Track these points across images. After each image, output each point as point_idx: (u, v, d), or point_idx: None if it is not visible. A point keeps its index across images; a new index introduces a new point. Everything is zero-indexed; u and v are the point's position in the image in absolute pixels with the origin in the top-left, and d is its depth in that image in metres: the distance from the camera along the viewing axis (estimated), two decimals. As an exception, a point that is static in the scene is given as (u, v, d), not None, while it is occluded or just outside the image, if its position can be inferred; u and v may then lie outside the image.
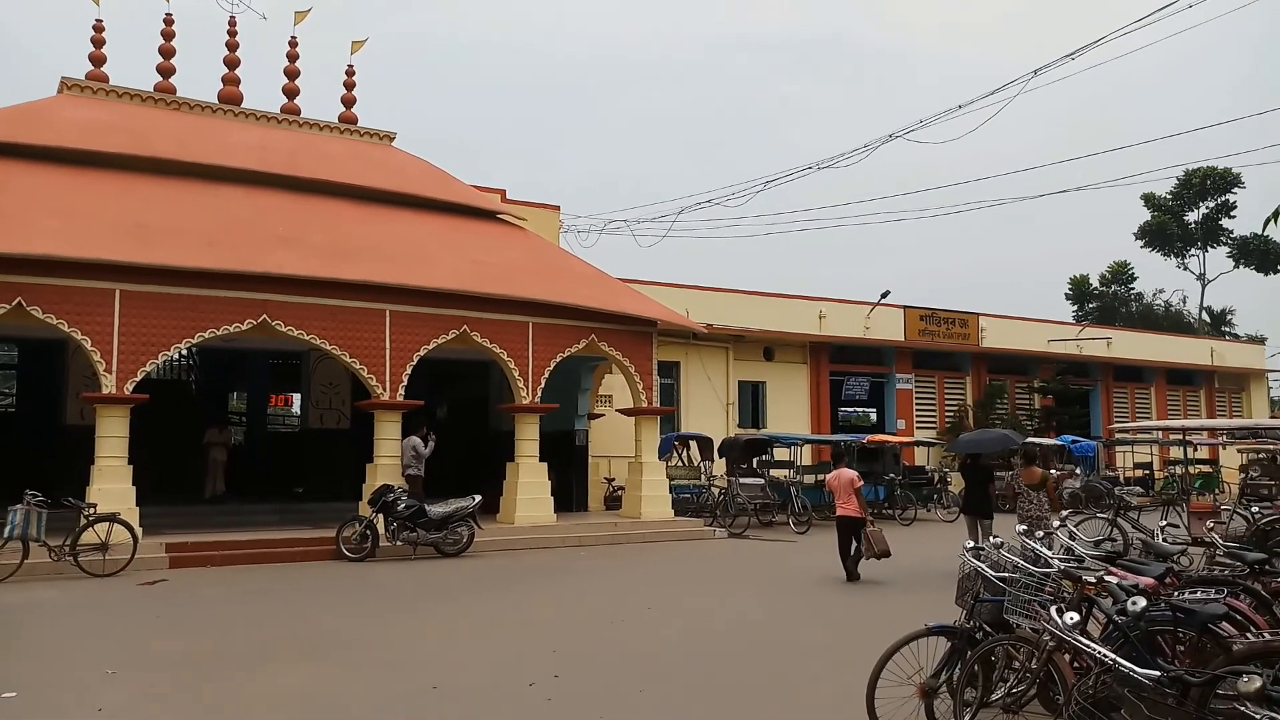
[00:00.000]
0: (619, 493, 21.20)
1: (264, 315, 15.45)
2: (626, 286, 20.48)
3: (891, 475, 23.40)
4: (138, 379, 14.57)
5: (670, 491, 19.58)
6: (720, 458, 22.34)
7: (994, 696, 5.79)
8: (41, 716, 6.23)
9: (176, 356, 17.89)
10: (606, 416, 22.29)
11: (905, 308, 29.61)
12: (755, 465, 22.39)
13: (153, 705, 6.48)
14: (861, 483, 13.47)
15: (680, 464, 22.89)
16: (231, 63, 19.33)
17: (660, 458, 20.22)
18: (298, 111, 19.61)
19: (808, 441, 24.63)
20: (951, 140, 31.50)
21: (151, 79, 18.48)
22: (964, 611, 6.02)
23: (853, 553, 12.95)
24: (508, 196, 22.64)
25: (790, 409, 27.82)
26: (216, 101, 18.86)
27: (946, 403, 31.61)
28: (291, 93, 19.77)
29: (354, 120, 20.17)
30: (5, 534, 12.11)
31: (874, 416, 33.27)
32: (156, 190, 16.29)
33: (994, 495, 14.36)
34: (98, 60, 17.99)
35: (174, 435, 19.54)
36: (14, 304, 13.80)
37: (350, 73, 20.47)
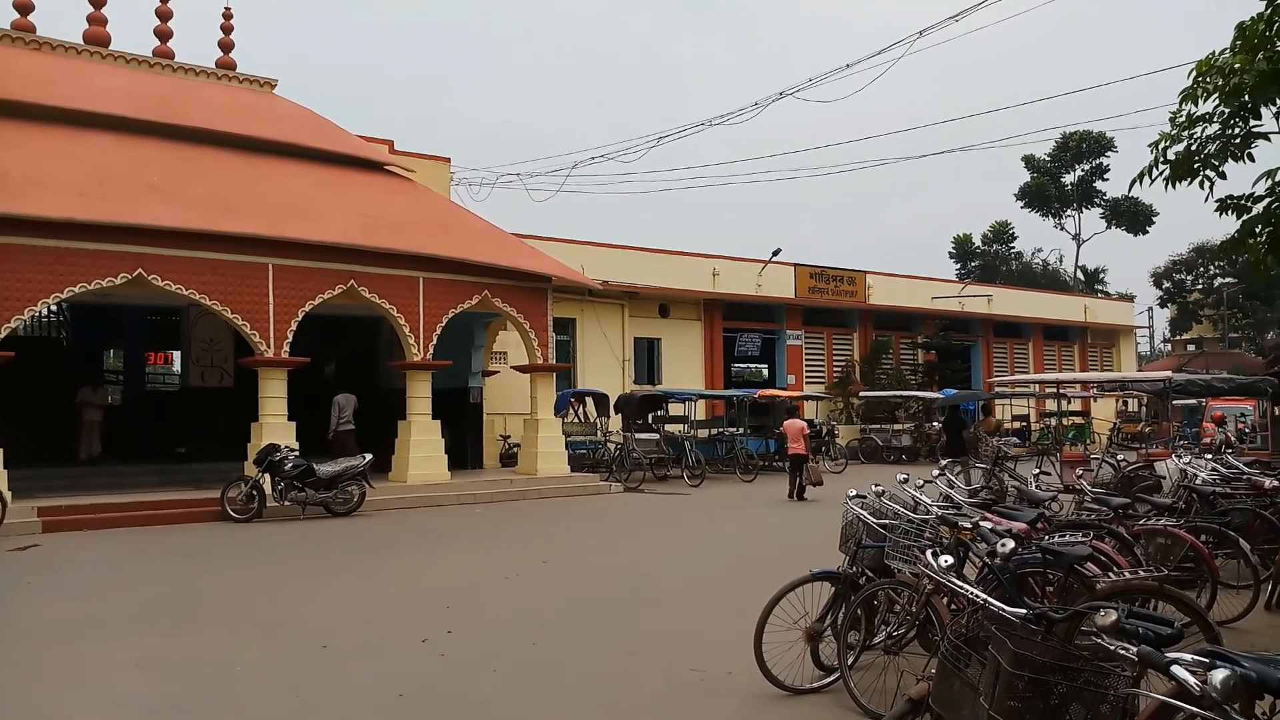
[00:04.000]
0: (514, 450, 21.14)
1: (139, 269, 14.78)
2: (520, 242, 20.28)
3: (780, 430, 23.88)
4: (2, 335, 13.81)
5: (566, 448, 19.62)
6: (616, 414, 22.45)
7: (876, 639, 6.01)
8: (-99, 690, 5.92)
9: (45, 312, 16.97)
10: (501, 374, 22.14)
11: (796, 265, 30.11)
12: (650, 421, 22.59)
13: (22, 674, 6.23)
14: (809, 431, 18.05)
15: (576, 420, 22.94)
16: (98, 1, 18.24)
17: (556, 414, 20.20)
18: (171, 55, 18.69)
19: (701, 397, 24.96)
20: (840, 99, 31.95)
21: (7, 16, 17.36)
22: (847, 557, 6.21)
23: (799, 481, 17.03)
24: (396, 148, 22.08)
25: (685, 365, 28.11)
26: (81, 42, 17.81)
27: (835, 358, 32.40)
28: (164, 35, 18.80)
29: (233, 66, 19.34)
30: None
31: (766, 372, 33.84)
32: (16, 135, 15.34)
33: (967, 440, 18.06)
34: (-53, -6, 16.81)
35: (45, 395, 18.64)
36: None
37: (228, 15, 19.58)
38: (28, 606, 8.46)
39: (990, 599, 3.64)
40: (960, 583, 4.22)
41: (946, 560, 4.31)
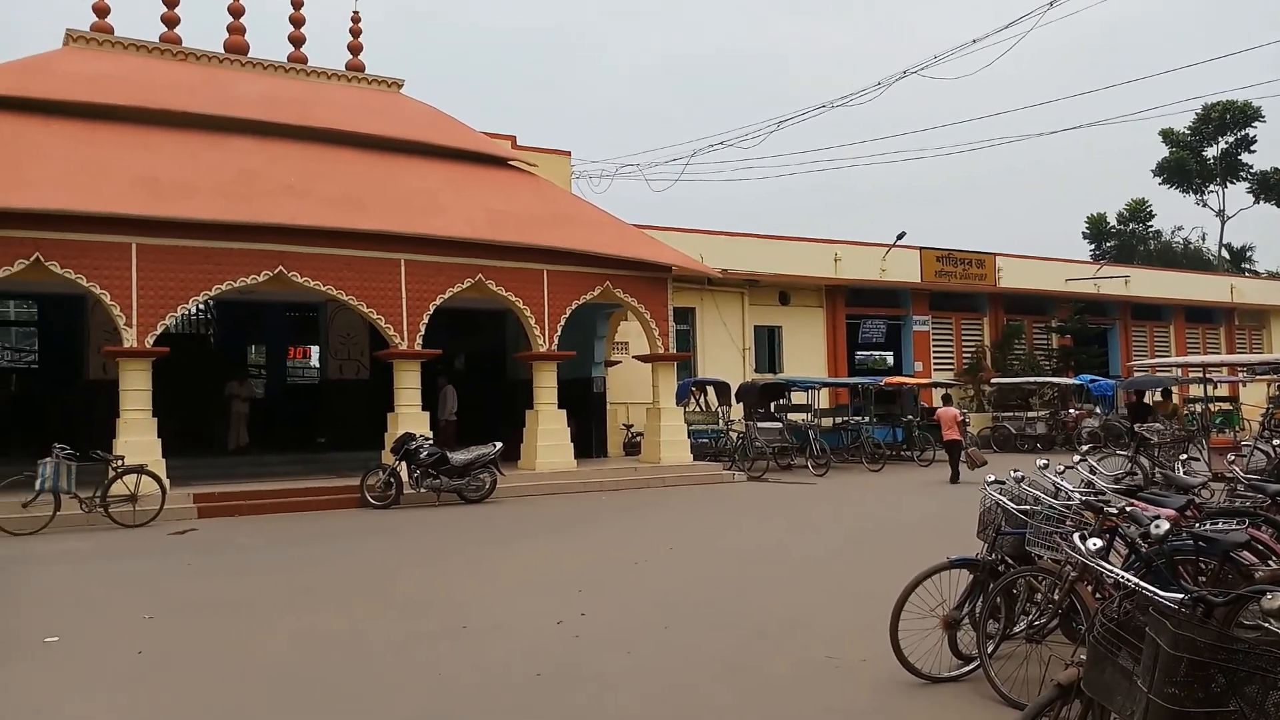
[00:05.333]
0: (637, 439, 21.32)
1: (280, 266, 15.49)
2: (640, 232, 20.41)
3: (910, 417, 23.43)
4: (157, 332, 14.68)
5: (688, 436, 19.68)
6: (737, 402, 22.39)
7: (1016, 628, 5.86)
8: (84, 659, 6.38)
9: (195, 310, 17.98)
10: (623, 363, 22.33)
11: (921, 249, 29.40)
12: (773, 409, 22.45)
13: (188, 647, 6.63)
14: (963, 417, 19.39)
15: (698, 409, 22.96)
16: (236, 11, 19.13)
17: (678, 403, 20.28)
18: (304, 60, 19.46)
19: (825, 385, 24.65)
20: (966, 76, 30.98)
21: (156, 29, 18.35)
22: (985, 544, 6.06)
23: (958, 464, 18.01)
24: (518, 143, 22.48)
25: (807, 353, 27.81)
26: (223, 51, 18.72)
27: (964, 344, 31.52)
28: (297, 41, 19.59)
29: (361, 68, 20.01)
30: (37, 486, 12.31)
31: (891, 359, 33.21)
32: (166, 142, 16.25)
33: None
34: (101, 11, 17.83)
35: (196, 388, 19.71)
36: (32, 259, 13.88)
37: (356, 19, 20.28)
38: (190, 585, 8.99)
39: (1144, 584, 3.51)
40: (1111, 567, 4.08)
41: (1096, 543, 4.17)
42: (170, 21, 18.38)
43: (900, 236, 28.35)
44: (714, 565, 9.75)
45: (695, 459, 19.52)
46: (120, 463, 13.26)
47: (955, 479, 17.95)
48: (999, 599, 5.69)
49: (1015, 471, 6.26)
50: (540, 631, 6.91)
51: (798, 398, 23.98)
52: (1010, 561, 5.86)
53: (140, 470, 13.17)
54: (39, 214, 13.79)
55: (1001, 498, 5.98)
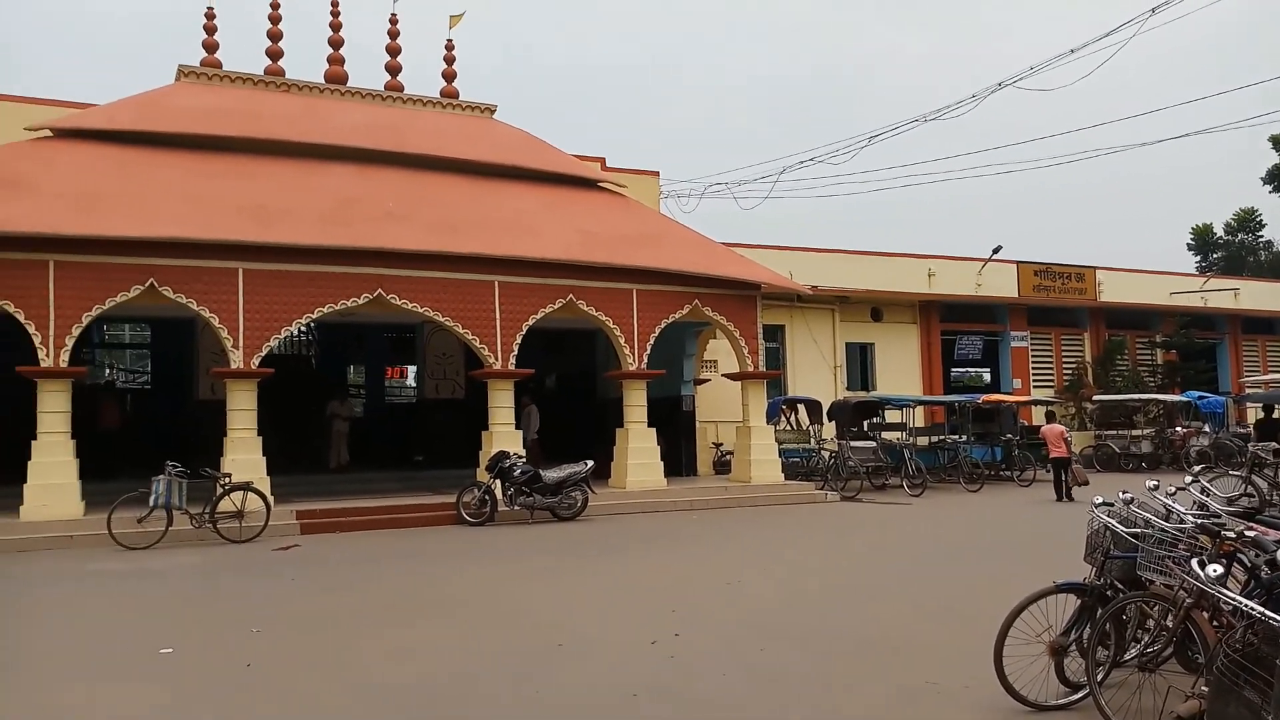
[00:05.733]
0: (727, 457, 21.24)
1: (379, 289, 15.92)
2: (729, 250, 20.39)
3: (1009, 436, 22.85)
4: (263, 354, 15.21)
5: (779, 455, 19.52)
6: (830, 421, 22.14)
7: (1127, 655, 5.65)
8: (196, 671, 6.61)
9: (297, 332, 18.55)
10: (712, 381, 22.32)
11: (1018, 263, 28.73)
12: (866, 428, 22.14)
13: (295, 661, 6.82)
14: (1069, 434, 18.99)
15: (789, 428, 22.77)
16: (335, 43, 19.80)
17: (768, 422, 20.16)
18: (401, 88, 19.99)
19: (920, 403, 24.21)
20: (1064, 87, 30.20)
21: (261, 63, 19.08)
22: (1093, 568, 5.87)
23: (1063, 482, 17.99)
24: (607, 164, 22.71)
25: (900, 370, 27.37)
26: (323, 81, 19.36)
27: (1064, 360, 30.64)
28: (394, 69, 20.14)
29: (455, 94, 20.47)
30: (150, 502, 12.84)
31: (988, 376, 32.45)
32: (271, 171, 16.86)
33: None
34: (211, 47, 18.62)
35: (298, 408, 20.32)
36: (147, 285, 14.53)
37: (449, 47, 20.75)
38: (294, 600, 9.26)
39: (1271, 613, 3.36)
40: (1233, 595, 3.91)
41: (1216, 569, 4.00)
42: (274, 55, 19.10)
43: (996, 250, 27.74)
44: (809, 586, 9.64)
45: (786, 478, 19.34)
46: (228, 480, 13.74)
47: (1063, 497, 17.73)
48: (1108, 625, 5.50)
49: (1124, 493, 6.05)
50: (635, 651, 6.92)
51: (892, 416, 23.61)
52: (1120, 586, 5.66)
53: (246, 487, 13.64)
54: (154, 241, 14.46)
55: (1110, 520, 5.79)
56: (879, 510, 16.92)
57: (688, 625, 7.64)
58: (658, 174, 24.04)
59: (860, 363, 27.19)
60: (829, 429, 22.32)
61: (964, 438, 22.56)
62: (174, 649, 7.15)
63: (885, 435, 22.21)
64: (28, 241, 13.89)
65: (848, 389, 26.10)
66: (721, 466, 21.80)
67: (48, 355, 13.96)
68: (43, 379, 14.02)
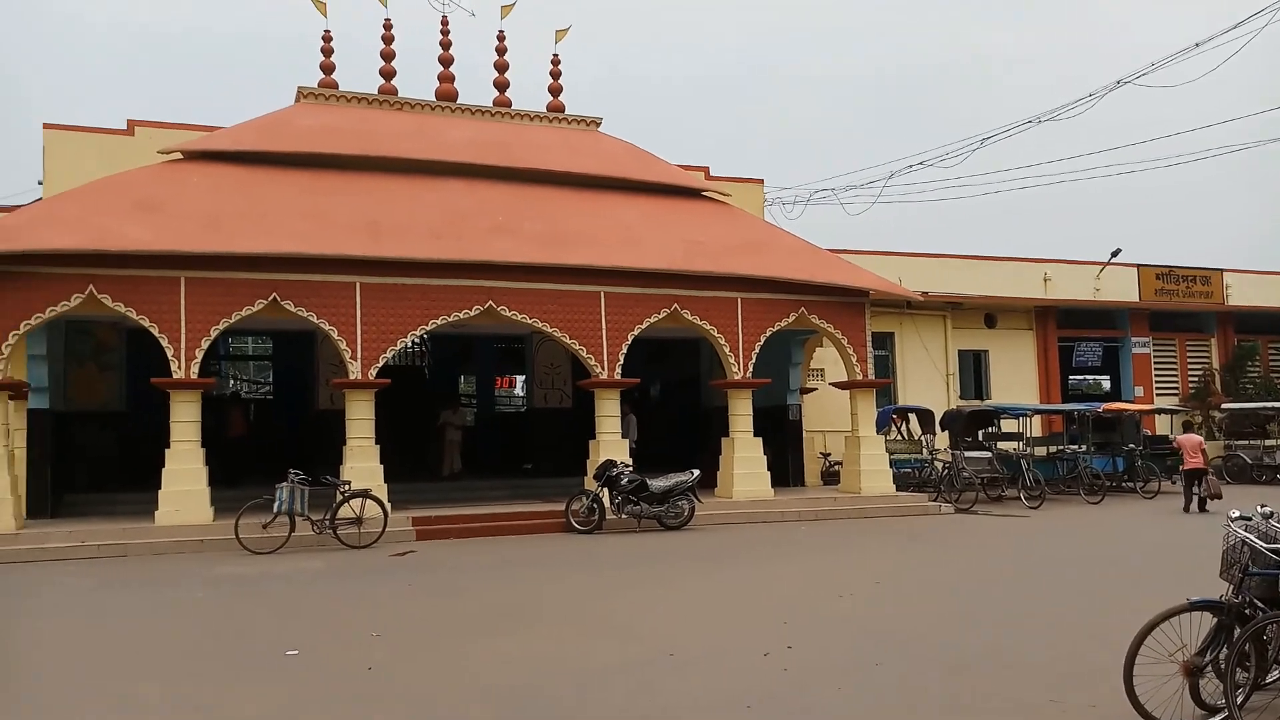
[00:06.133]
0: (836, 468, 20.95)
1: (490, 301, 16.25)
2: (836, 257, 20.15)
3: (1131, 446, 21.95)
4: (379, 365, 15.68)
5: (890, 466, 19.16)
6: (942, 430, 21.64)
7: (1269, 678, 5.37)
8: (321, 673, 6.84)
9: (411, 343, 19.08)
10: (820, 390, 22.06)
11: (1139, 266, 27.63)
12: (980, 437, 21.57)
13: (412, 664, 6.99)
14: (1205, 444, 18.41)
15: (900, 438, 22.34)
16: (445, 61, 20.29)
17: (878, 431, 19.82)
18: (508, 104, 20.36)
19: (1037, 412, 23.45)
20: (1188, 83, 28.91)
21: (375, 82, 19.70)
22: (1231, 585, 5.59)
23: (1197, 493, 17.44)
24: (711, 173, 22.70)
25: (1016, 378, 26.60)
26: (434, 99, 19.86)
27: (1189, 367, 29.30)
28: (501, 85, 20.53)
29: (561, 108, 20.75)
30: (274, 509, 13.37)
31: (1108, 384, 31.25)
32: (385, 187, 17.37)
33: None
34: (328, 69, 19.29)
35: (412, 417, 20.86)
36: (270, 299, 15.15)
37: (555, 61, 21.05)
38: (412, 605, 9.50)
39: None
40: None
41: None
42: (387, 74, 19.70)
43: (1115, 254, 26.74)
44: (924, 599, 9.44)
45: (898, 489, 18.96)
46: (347, 487, 14.21)
47: (1193, 509, 17.18)
48: (1248, 646, 5.23)
49: (1263, 507, 5.75)
50: (746, 662, 6.88)
51: (1008, 425, 22.94)
52: (1260, 605, 5.38)
53: (365, 494, 14.07)
54: (276, 257, 15.06)
55: (1249, 535, 5.51)
56: (995, 522, 16.45)
57: (800, 637, 7.56)
58: (762, 182, 23.93)
59: (974, 370, 26.51)
60: (941, 439, 21.82)
61: (1084, 447, 21.77)
62: (299, 651, 7.41)
63: (1001, 445, 21.60)
64: (161, 259, 14.63)
65: (961, 397, 25.48)
66: (830, 477, 21.52)
67: (179, 367, 14.67)
68: (175, 390, 14.73)
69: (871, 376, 19.14)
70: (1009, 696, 6.01)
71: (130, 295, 14.56)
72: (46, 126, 18.06)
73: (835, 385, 20.13)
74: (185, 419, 14.73)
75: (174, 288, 14.74)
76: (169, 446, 14.64)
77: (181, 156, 16.89)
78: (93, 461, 17.55)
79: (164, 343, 14.70)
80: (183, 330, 14.73)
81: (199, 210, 15.47)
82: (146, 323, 14.67)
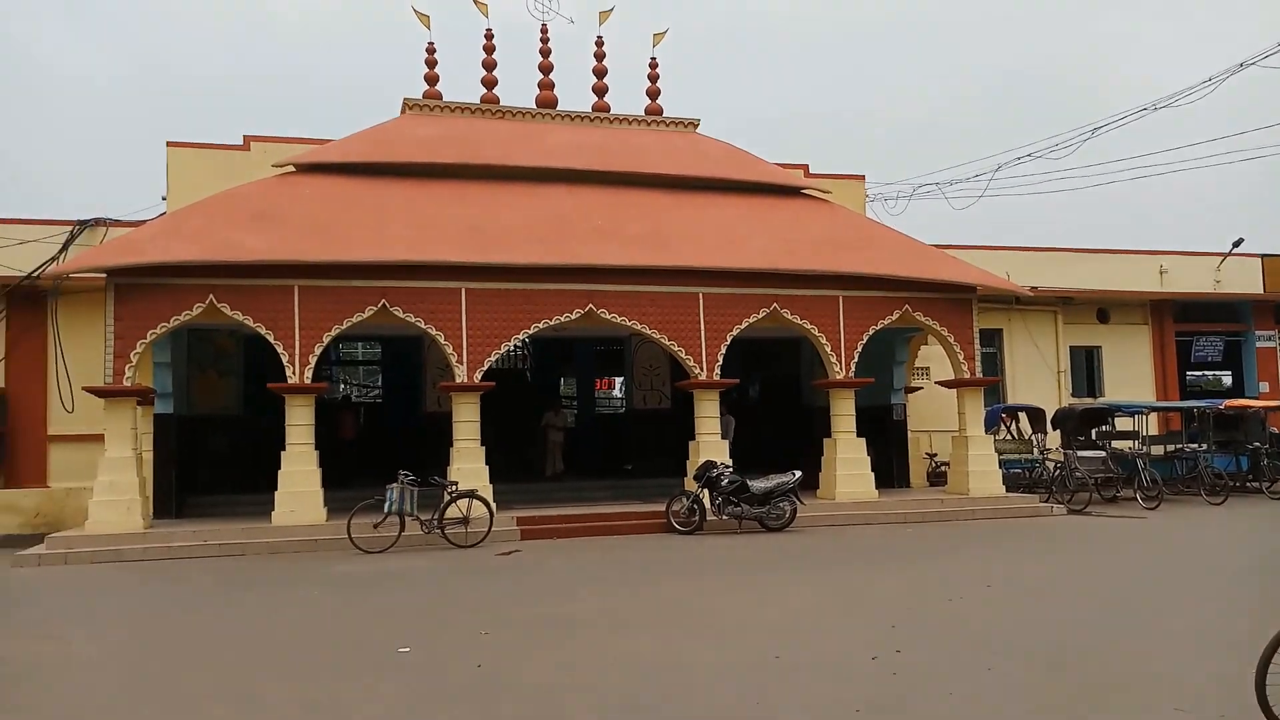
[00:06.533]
0: (942, 468, 20.52)
1: (590, 304, 16.42)
2: (940, 252, 19.73)
3: (1256, 444, 20.93)
4: (484, 368, 16.00)
5: (999, 466, 18.67)
6: (1054, 429, 21.00)
7: None
8: (432, 670, 7.01)
9: (514, 347, 19.36)
10: (925, 389, 21.64)
11: (1263, 256, 26.31)
12: (1094, 436, 20.86)
13: (520, 663, 7.11)
14: None
15: (1009, 437, 21.75)
16: (545, 68, 20.56)
17: (986, 431, 19.33)
18: (607, 109, 20.52)
19: (1154, 409, 22.56)
20: (1317, 61, 27.41)
21: (477, 91, 20.07)
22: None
23: None
24: (810, 171, 22.47)
25: (1131, 374, 25.61)
26: (534, 106, 20.14)
27: (1321, 361, 27.75)
28: (600, 91, 20.71)
29: (659, 111, 20.80)
30: (385, 509, 13.77)
31: (1229, 380, 29.86)
32: (488, 194, 17.71)
33: None
34: (432, 80, 19.73)
35: (515, 419, 21.20)
36: (379, 305, 15.60)
37: (653, 65, 21.12)
38: (518, 604, 9.66)
39: None
40: None
41: None
42: (489, 84, 20.05)
43: (1237, 244, 25.53)
44: (1037, 603, 9.17)
45: (1007, 490, 18.46)
46: (454, 488, 14.54)
47: None
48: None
49: None
50: (855, 666, 6.80)
51: (1122, 423, 22.14)
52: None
53: (472, 495, 14.38)
54: (385, 265, 15.51)
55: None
56: (1111, 524, 15.89)
57: (908, 641, 7.43)
58: (863, 178, 23.57)
59: (1086, 367, 25.63)
60: (1053, 438, 21.18)
61: (1204, 446, 20.85)
62: (410, 649, 7.61)
63: (1116, 444, 20.84)
64: (276, 269, 15.20)
65: (1073, 395, 24.66)
66: (936, 478, 21.09)
67: (294, 373, 15.22)
68: (290, 394, 15.29)
69: (979, 374, 18.69)
70: (1131, 704, 5.81)
71: (247, 304, 15.18)
72: (170, 144, 18.92)
73: (941, 384, 19.72)
74: (300, 422, 15.28)
75: (288, 296, 15.30)
76: (285, 449, 15.20)
77: (294, 169, 17.51)
78: (213, 463, 18.32)
79: (279, 349, 15.27)
80: (297, 337, 15.27)
81: (312, 220, 16.02)
82: (263, 330, 15.26)
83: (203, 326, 16.83)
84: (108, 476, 14.53)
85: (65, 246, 18.32)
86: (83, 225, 18.66)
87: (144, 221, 17.86)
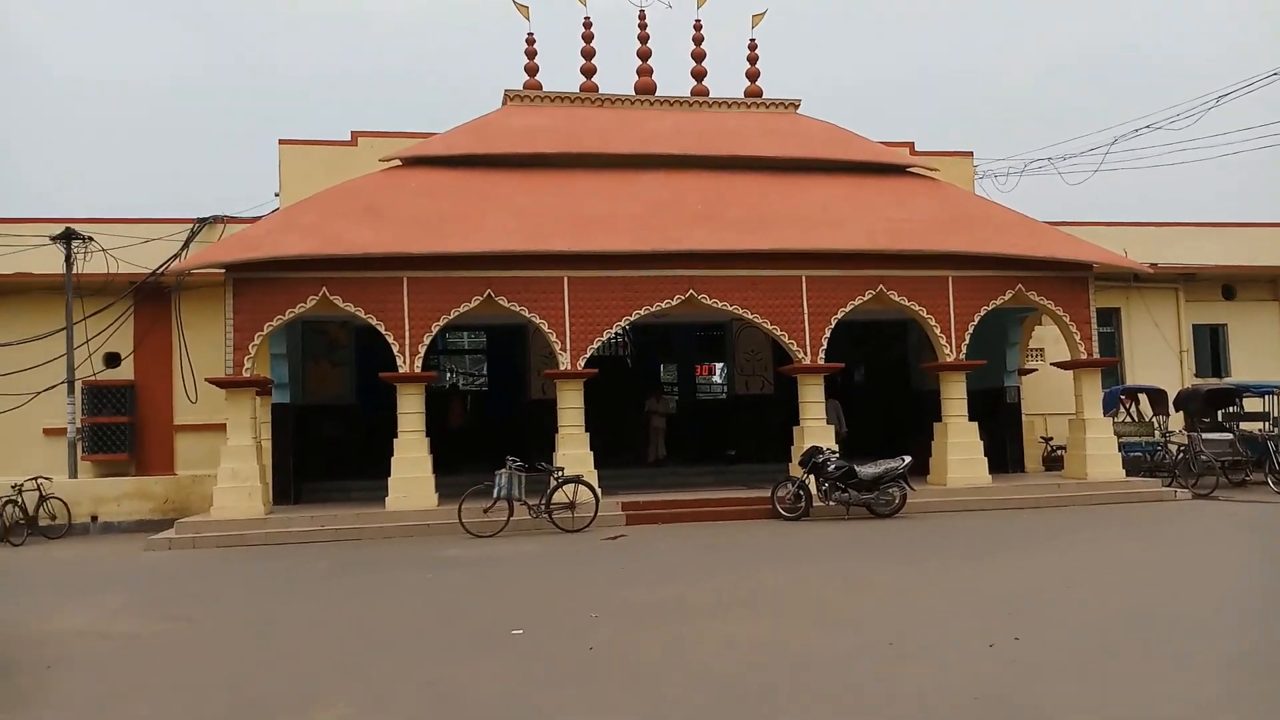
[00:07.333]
0: (1059, 452, 19.85)
1: (691, 290, 16.36)
2: (1054, 230, 19.02)
3: None
4: (587, 355, 16.11)
5: (1119, 450, 17.95)
6: (1176, 411, 20.10)
7: None
8: (545, 652, 7.08)
9: (615, 334, 19.45)
10: (1039, 371, 20.97)
11: None
12: (1220, 418, 19.89)
13: (631, 646, 7.13)
14: None
15: (1129, 420, 20.91)
16: (643, 54, 20.53)
17: (1105, 414, 18.61)
18: (706, 93, 20.38)
19: (1286, 389, 21.37)
20: None
21: (577, 80, 20.17)
22: None
23: None
24: (916, 149, 21.93)
25: (1259, 353, 24.31)
26: (633, 93, 20.13)
27: None
28: (699, 75, 20.58)
29: (759, 93, 20.57)
30: (494, 494, 14.01)
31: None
32: (588, 182, 17.77)
33: None
34: (531, 70, 19.90)
35: (616, 406, 21.29)
36: (485, 295, 15.85)
37: (752, 47, 20.89)
38: (625, 588, 9.70)
39: None
40: None
41: None
42: (588, 72, 20.14)
43: (1381, 212, 23.93)
44: (1163, 590, 8.78)
45: (1128, 474, 17.74)
46: (560, 473, 14.69)
47: None
48: None
49: None
50: (971, 653, 6.60)
51: (1251, 404, 21.03)
52: None
53: (577, 480, 14.53)
54: (490, 255, 15.74)
55: None
56: (1240, 509, 15.13)
57: (1028, 629, 7.18)
58: (971, 154, 22.87)
59: (1210, 346, 24.42)
60: (1175, 420, 20.27)
61: (1344, 429, 19.67)
62: (523, 630, 7.70)
63: (1244, 426, 19.83)
64: (385, 261, 15.56)
65: (1197, 375, 23.55)
66: (1052, 462, 20.41)
67: (404, 362, 15.58)
68: (401, 383, 15.66)
69: (1096, 355, 18.00)
70: (1274, 699, 5.49)
71: (358, 296, 15.58)
72: (282, 142, 19.54)
73: (1057, 365, 19.05)
74: (411, 410, 15.63)
75: (397, 287, 15.65)
76: (396, 437, 15.57)
77: (400, 163, 17.88)
78: (327, 451, 18.90)
79: (390, 339, 15.64)
80: (406, 327, 15.62)
81: (418, 213, 16.35)
82: (374, 321, 15.66)
83: (316, 318, 17.35)
84: (230, 464, 15.13)
85: (186, 244, 19.10)
86: (202, 223, 19.43)
87: (259, 218, 18.48)
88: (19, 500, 16.02)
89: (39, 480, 16.42)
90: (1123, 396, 20.99)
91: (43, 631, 8.34)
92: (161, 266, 18.70)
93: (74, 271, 18.43)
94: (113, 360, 19.43)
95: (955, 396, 17.24)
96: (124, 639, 7.96)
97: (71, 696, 6.29)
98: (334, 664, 6.92)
